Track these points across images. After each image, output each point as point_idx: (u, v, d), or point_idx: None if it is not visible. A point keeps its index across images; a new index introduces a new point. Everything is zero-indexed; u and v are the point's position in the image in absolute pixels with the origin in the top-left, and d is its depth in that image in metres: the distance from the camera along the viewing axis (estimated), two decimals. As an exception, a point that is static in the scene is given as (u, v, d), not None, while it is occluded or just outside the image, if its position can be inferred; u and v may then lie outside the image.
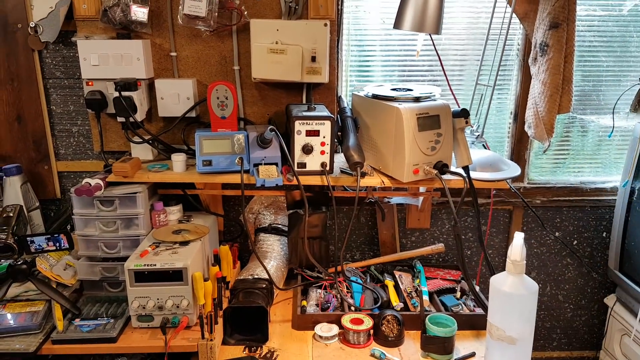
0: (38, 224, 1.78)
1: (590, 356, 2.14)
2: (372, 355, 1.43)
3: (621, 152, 1.95)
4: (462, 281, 1.75)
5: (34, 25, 1.66)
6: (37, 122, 1.77)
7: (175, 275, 1.38)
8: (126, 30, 1.63)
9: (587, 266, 2.04)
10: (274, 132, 1.48)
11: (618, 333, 1.90)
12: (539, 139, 1.72)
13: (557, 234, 1.99)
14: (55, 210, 1.88)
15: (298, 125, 1.51)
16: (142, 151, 1.67)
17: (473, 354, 1.45)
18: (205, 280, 1.39)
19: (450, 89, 1.73)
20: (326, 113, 1.54)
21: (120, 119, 1.59)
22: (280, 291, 1.73)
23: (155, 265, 1.37)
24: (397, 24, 1.41)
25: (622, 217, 1.82)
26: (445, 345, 1.42)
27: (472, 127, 1.75)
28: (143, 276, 1.38)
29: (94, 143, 1.76)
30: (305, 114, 1.53)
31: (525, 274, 2.00)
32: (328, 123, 1.52)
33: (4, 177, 1.69)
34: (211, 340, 1.35)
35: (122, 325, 1.43)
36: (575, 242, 2.02)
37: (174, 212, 1.67)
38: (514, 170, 1.64)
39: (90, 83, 1.63)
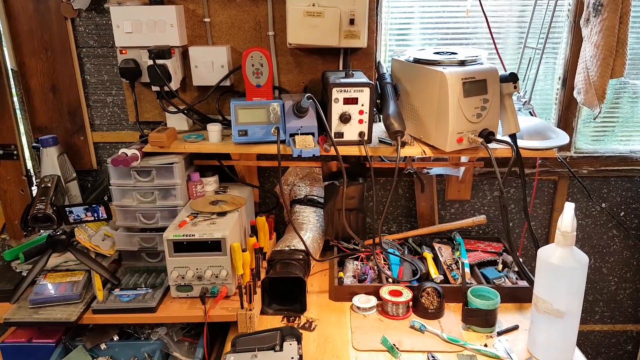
0: (75, 195, 1.79)
1: (634, 329, 2.07)
2: (412, 327, 1.41)
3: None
4: (504, 253, 1.70)
5: (66, -8, 1.63)
6: (71, 92, 1.76)
7: (214, 246, 1.37)
8: (158, -5, 1.59)
9: (633, 238, 1.95)
10: (310, 100, 1.43)
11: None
12: (588, 105, 1.62)
13: (603, 205, 1.91)
14: (92, 182, 1.89)
15: (335, 93, 1.46)
16: (177, 121, 1.65)
17: (516, 327, 1.41)
18: (244, 250, 1.38)
19: (497, 51, 1.64)
20: (365, 79, 1.48)
21: (155, 88, 1.56)
22: (316, 262, 1.71)
23: (194, 235, 1.36)
24: None
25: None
26: (487, 318, 1.39)
27: (519, 92, 1.67)
28: (182, 246, 1.38)
29: (129, 113, 1.75)
30: (343, 80, 1.47)
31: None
32: (367, 90, 1.46)
33: (41, 147, 1.69)
34: (250, 310, 1.34)
35: (162, 295, 1.43)
36: (622, 213, 1.93)
37: (211, 183, 1.65)
38: (563, 138, 1.56)
39: (123, 51, 1.60)
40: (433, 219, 1.87)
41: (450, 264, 1.63)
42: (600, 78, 1.55)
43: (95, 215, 1.43)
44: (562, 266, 1.21)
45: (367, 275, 1.61)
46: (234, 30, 1.65)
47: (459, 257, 1.64)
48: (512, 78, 1.42)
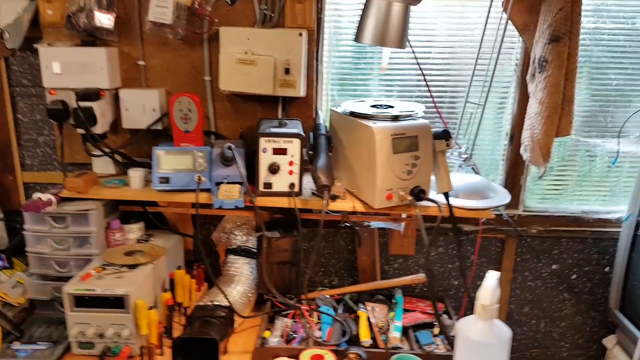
0: (1, 237, 1.71)
1: (589, 400, 1.96)
2: (331, 396, 1.30)
3: (631, 180, 1.77)
4: (444, 315, 1.61)
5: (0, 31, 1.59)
6: (2, 131, 1.70)
7: (116, 302, 1.28)
8: (92, 37, 1.55)
9: (586, 303, 1.86)
10: (230, 151, 1.37)
11: (617, 379, 1.73)
12: (534, 163, 1.56)
13: (553, 266, 1.83)
14: (21, 223, 1.80)
15: (264, 143, 1.40)
16: (104, 165, 1.59)
17: (443, 402, 1.31)
18: (151, 308, 1.28)
19: (436, 106, 1.60)
20: (294, 130, 1.42)
21: (80, 131, 1.50)
22: (247, 318, 1.61)
23: (95, 290, 1.27)
24: (358, 37, 1.29)
25: (625, 252, 1.65)
26: (411, 388, 1.28)
27: (459, 148, 1.62)
28: (84, 301, 1.28)
29: (59, 154, 1.68)
30: (272, 130, 1.42)
31: (518, 308, 1.86)
32: (297, 141, 1.40)
33: (-36, 186, 1.62)
34: (151, 374, 1.24)
35: (63, 351, 1.33)
36: (574, 276, 1.85)
37: (134, 231, 1.56)
38: (502, 198, 1.49)
39: (52, 92, 1.54)
40: (374, 274, 1.78)
41: (383, 325, 1.53)
42: (545, 136, 1.50)
43: (-4, 263, 1.34)
44: (481, 341, 1.12)
45: (297, 335, 1.50)
46: (169, 74, 1.60)
47: (392, 319, 1.55)
48: (445, 135, 1.37)
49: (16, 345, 1.34)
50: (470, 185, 1.51)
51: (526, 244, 1.80)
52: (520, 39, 1.60)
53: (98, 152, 1.53)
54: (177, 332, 1.41)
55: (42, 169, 1.75)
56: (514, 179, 1.74)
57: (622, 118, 1.71)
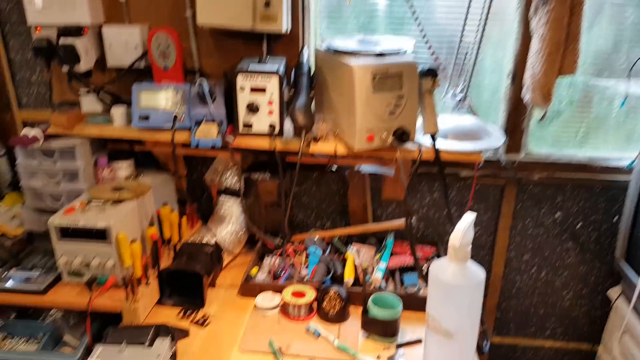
0: (3, 172, 1.77)
1: (588, 350, 1.92)
2: (307, 330, 1.32)
3: (646, 123, 1.64)
4: (434, 259, 1.58)
5: (-17, -36, 1.57)
6: (-3, 69, 1.72)
7: (99, 235, 1.32)
8: (74, -31, 1.51)
9: (590, 253, 1.79)
10: (200, 87, 1.33)
11: (618, 330, 1.67)
12: (536, 105, 1.46)
13: (557, 214, 1.75)
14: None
15: (241, 80, 1.36)
16: (91, 103, 1.59)
17: (419, 341, 1.29)
18: (133, 241, 1.32)
19: (426, 42, 1.49)
20: (272, 67, 1.37)
21: (65, 69, 1.50)
22: (238, 256, 1.64)
23: (79, 223, 1.31)
24: None
25: (633, 200, 1.54)
26: (386, 327, 1.29)
27: (455, 88, 1.52)
28: (69, 233, 1.33)
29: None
30: (250, 67, 1.36)
31: (518, 255, 1.81)
32: (275, 79, 1.35)
33: (-35, 123, 1.67)
34: (135, 302, 1.29)
35: (54, 279, 1.40)
36: (579, 225, 1.76)
37: (123, 168, 1.58)
38: (495, 140, 1.41)
39: (38, 29, 1.53)
40: (366, 217, 1.76)
41: (367, 267, 1.52)
42: (545, 75, 1.39)
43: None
44: (452, 284, 1.09)
45: (283, 272, 1.53)
46: (151, 10, 1.56)
47: (377, 260, 1.54)
48: (431, 73, 1.29)
49: (12, 272, 1.42)
50: (461, 127, 1.43)
51: (528, 191, 1.71)
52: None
53: (82, 90, 1.53)
54: (166, 265, 1.45)
55: (38, 106, 1.78)
56: (515, 122, 1.63)
57: (637, 57, 1.55)
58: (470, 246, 1.09)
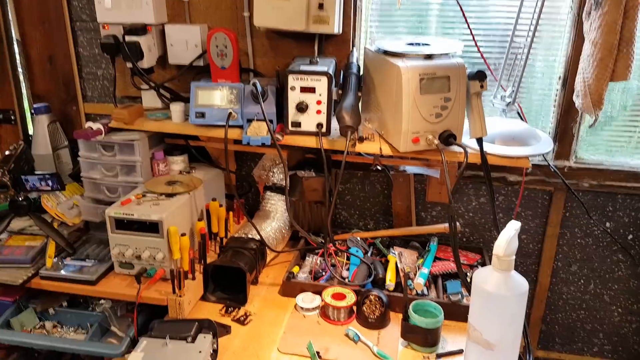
0: (67, 162, 1.88)
1: (638, 368, 1.85)
2: (346, 334, 1.33)
3: None
4: (478, 267, 1.57)
5: (60, -33, 1.68)
6: (66, 64, 1.83)
7: (152, 227, 1.38)
8: (139, -28, 1.60)
9: (643, 266, 1.73)
10: (254, 87, 1.38)
11: (670, 349, 1.61)
12: (586, 111, 1.42)
13: (607, 224, 1.69)
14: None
15: (292, 81, 1.40)
16: (151, 98, 1.67)
17: (460, 351, 1.27)
18: (183, 235, 1.38)
19: (476, 44, 1.49)
20: (322, 68, 1.40)
21: (129, 65, 1.58)
22: (281, 253, 1.67)
23: (133, 215, 1.38)
24: None
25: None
26: (427, 336, 1.27)
27: (504, 91, 1.51)
28: (123, 224, 1.40)
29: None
30: (301, 67, 1.40)
31: (565, 266, 1.76)
32: (324, 79, 1.39)
33: (35, 115, 1.79)
34: (180, 296, 1.34)
35: (105, 269, 1.46)
36: (630, 236, 1.70)
37: (177, 163, 1.66)
38: (544, 146, 1.39)
39: (106, 27, 1.63)
40: (410, 219, 1.76)
41: (409, 271, 1.52)
42: (597, 81, 1.36)
43: (50, 184, 1.49)
44: (494, 293, 1.08)
45: (324, 272, 1.55)
46: (211, 10, 1.63)
47: (420, 265, 1.54)
48: (479, 76, 1.28)
49: (68, 261, 1.50)
50: (509, 132, 1.41)
51: (576, 199, 1.67)
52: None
53: (145, 86, 1.61)
54: (210, 260, 1.49)
55: (101, 100, 1.88)
56: (565, 128, 1.60)
57: None
58: (514, 255, 1.08)
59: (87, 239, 1.64)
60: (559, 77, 1.57)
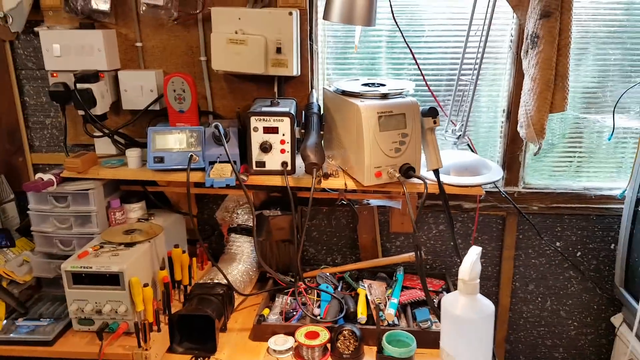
0: (13, 216, 1.77)
1: (597, 379, 1.94)
2: (323, 372, 1.32)
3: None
4: (445, 292, 1.61)
5: (3, 15, 1.63)
6: (11, 114, 1.76)
7: (112, 279, 1.32)
8: (90, 19, 1.58)
9: (592, 281, 1.83)
10: (217, 130, 1.38)
11: (624, 357, 1.70)
12: (530, 140, 1.53)
13: (557, 244, 1.80)
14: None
15: (254, 122, 1.41)
16: (105, 146, 1.63)
17: (434, 379, 1.31)
18: (146, 285, 1.33)
19: (426, 83, 1.58)
20: (285, 109, 1.43)
21: (81, 112, 1.54)
22: (248, 297, 1.64)
23: (92, 267, 1.32)
24: (326, 15, 1.27)
25: (627, 228, 1.60)
26: (402, 366, 1.29)
27: (454, 126, 1.60)
28: (81, 278, 1.33)
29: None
30: (263, 109, 1.43)
31: (523, 286, 1.85)
32: (287, 120, 1.41)
33: (-24, 168, 1.69)
34: (146, 350, 1.28)
35: (64, 327, 1.38)
36: (578, 253, 1.82)
37: (135, 210, 1.61)
38: (494, 174, 1.48)
39: (54, 74, 1.58)
40: (376, 251, 1.79)
41: (380, 302, 1.54)
42: (538, 112, 1.47)
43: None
44: (464, 317, 1.12)
45: (295, 312, 1.53)
46: (166, 55, 1.63)
47: (389, 296, 1.56)
48: (431, 113, 1.36)
49: (20, 321, 1.40)
50: (462, 163, 1.49)
51: (527, 222, 1.77)
52: (514, 15, 1.56)
53: (98, 133, 1.57)
54: (175, 309, 1.45)
55: (50, 150, 1.81)
56: (512, 156, 1.71)
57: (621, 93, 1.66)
58: (479, 279, 1.13)
59: (40, 296, 1.54)
60: (503, 110, 1.69)
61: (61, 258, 1.53)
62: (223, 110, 1.68)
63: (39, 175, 1.48)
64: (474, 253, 1.11)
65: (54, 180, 1.47)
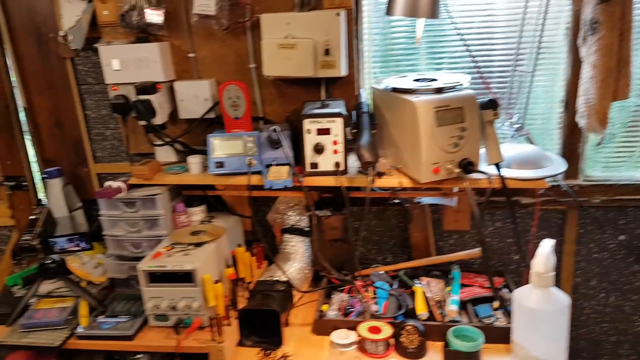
0: (81, 223, 1.87)
1: (667, 377, 1.86)
2: (388, 367, 1.34)
3: None
4: (505, 289, 1.59)
5: (63, 34, 1.72)
6: (74, 127, 1.86)
7: (185, 277, 1.39)
8: (145, 33, 1.65)
9: (660, 274, 1.76)
10: (276, 132, 1.42)
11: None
12: (592, 130, 1.49)
13: (620, 237, 1.74)
14: (97, 210, 1.97)
15: (307, 124, 1.44)
16: (165, 153, 1.70)
17: (502, 373, 1.30)
18: (216, 282, 1.38)
19: (482, 76, 1.56)
20: (336, 110, 1.45)
21: (142, 122, 1.62)
22: (305, 293, 1.67)
23: (166, 266, 1.38)
24: (389, 10, 1.28)
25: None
26: (470, 360, 1.28)
27: (511, 118, 1.57)
28: (156, 277, 1.40)
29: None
30: (315, 111, 1.45)
31: (585, 281, 1.79)
32: (339, 120, 1.43)
33: (47, 179, 1.79)
34: (220, 343, 1.33)
35: (141, 323, 1.46)
36: (645, 246, 1.75)
37: (197, 213, 1.67)
38: (557, 167, 1.44)
39: (114, 88, 1.66)
40: (428, 250, 1.78)
41: (439, 300, 1.54)
42: (600, 101, 1.43)
43: (78, 244, 1.49)
44: (538, 310, 1.11)
45: (353, 308, 1.55)
46: (217, 64, 1.68)
47: (449, 293, 1.55)
48: (492, 104, 1.34)
49: (101, 318, 1.49)
50: (522, 155, 1.46)
51: (589, 215, 1.72)
52: (569, 1, 1.52)
53: (159, 142, 1.64)
54: (241, 304, 1.51)
55: (112, 160, 1.90)
56: (571, 148, 1.66)
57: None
58: (554, 271, 1.11)
59: (114, 296, 1.63)
60: (561, 101, 1.64)
61: (132, 260, 1.62)
62: (272, 115, 1.71)
63: (107, 183, 1.56)
64: (548, 244, 1.09)
65: (123, 187, 1.55)
